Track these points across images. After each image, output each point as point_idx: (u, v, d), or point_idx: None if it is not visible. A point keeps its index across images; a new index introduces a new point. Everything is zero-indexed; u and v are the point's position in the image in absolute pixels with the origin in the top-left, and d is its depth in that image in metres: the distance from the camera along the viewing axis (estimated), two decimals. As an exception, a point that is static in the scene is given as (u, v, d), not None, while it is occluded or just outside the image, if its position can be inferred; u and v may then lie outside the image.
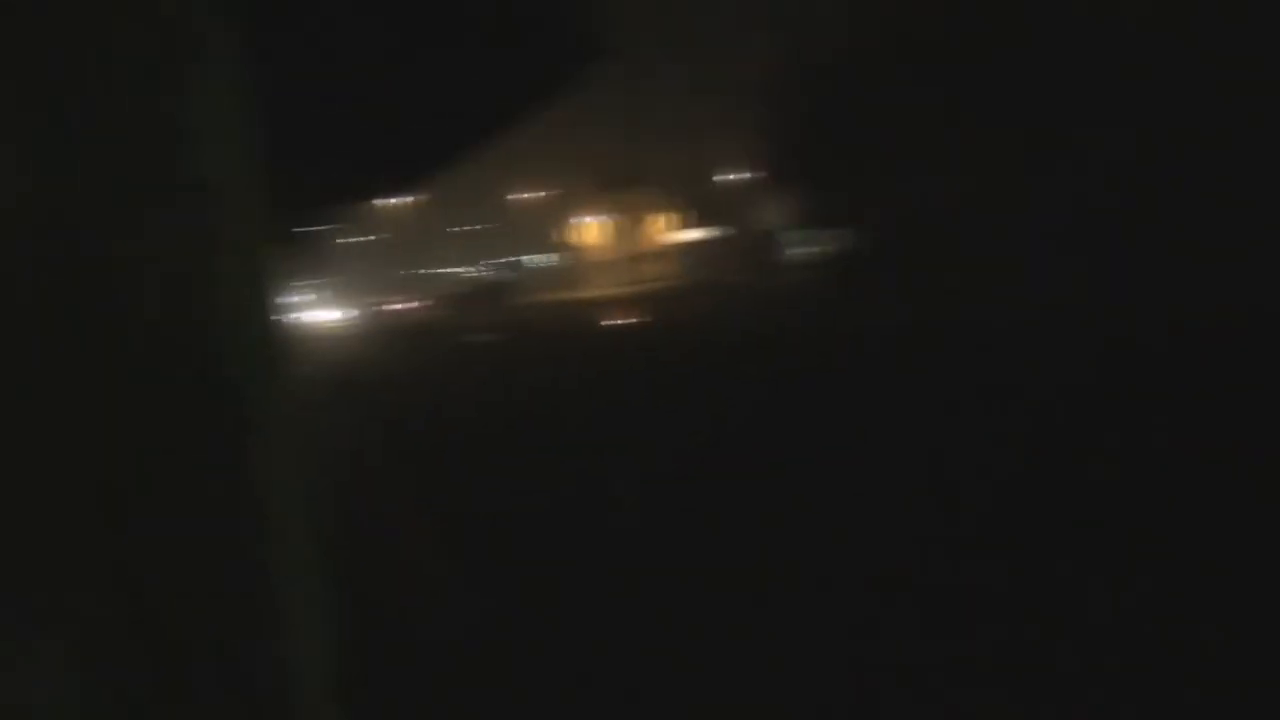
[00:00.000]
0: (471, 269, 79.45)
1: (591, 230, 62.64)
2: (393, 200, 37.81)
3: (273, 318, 1.13)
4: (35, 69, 1.00)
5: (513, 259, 73.52)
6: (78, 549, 1.00)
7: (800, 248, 38.50)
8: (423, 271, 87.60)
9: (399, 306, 61.76)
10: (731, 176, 45.14)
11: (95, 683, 1.01)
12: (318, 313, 60.01)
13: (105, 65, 1.02)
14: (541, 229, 70.63)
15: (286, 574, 1.10)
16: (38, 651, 0.99)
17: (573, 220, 64.48)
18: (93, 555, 1.01)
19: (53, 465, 1.00)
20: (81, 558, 1.01)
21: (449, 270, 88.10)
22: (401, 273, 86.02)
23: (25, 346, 1.00)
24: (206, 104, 1.05)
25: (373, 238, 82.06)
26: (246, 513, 1.07)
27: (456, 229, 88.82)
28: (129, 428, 1.02)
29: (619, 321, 28.65)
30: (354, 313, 59.68)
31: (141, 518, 1.02)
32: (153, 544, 1.02)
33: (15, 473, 0.99)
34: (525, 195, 71.34)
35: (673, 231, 53.64)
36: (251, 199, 1.13)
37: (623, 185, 46.66)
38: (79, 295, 1.01)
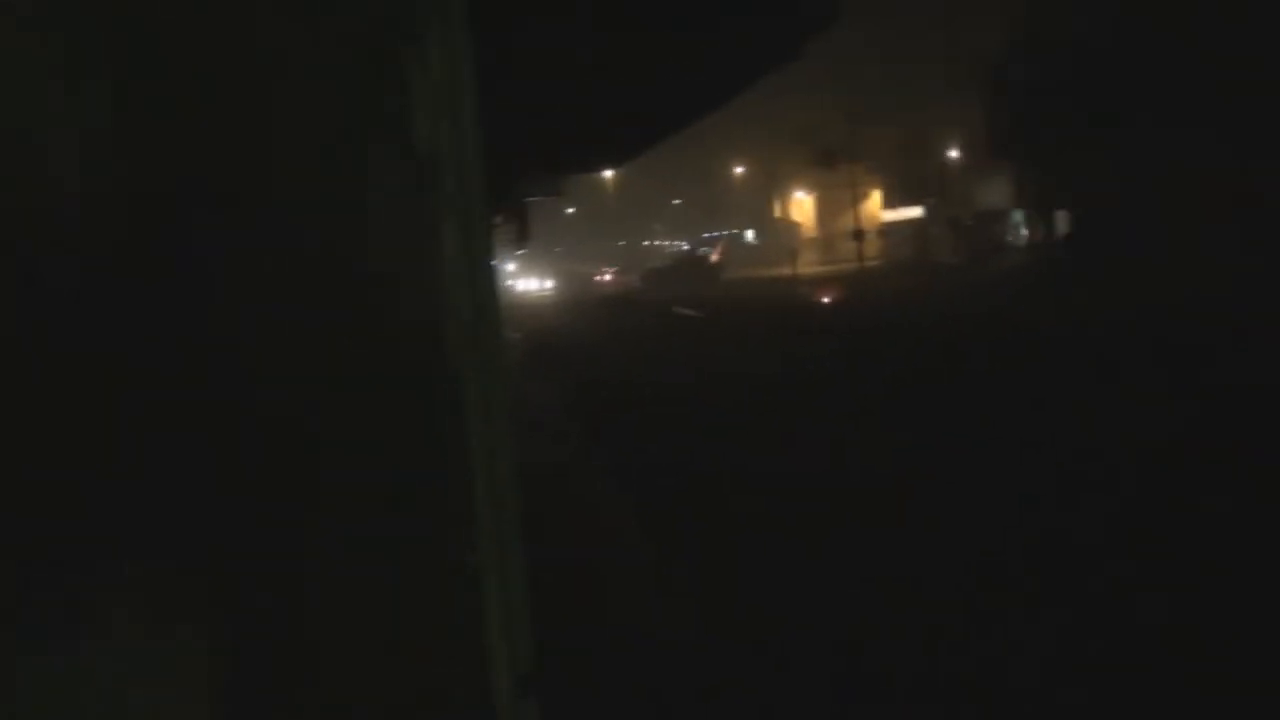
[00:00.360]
0: (679, 243, 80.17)
1: (802, 206, 61.86)
2: (603, 173, 38.42)
3: (491, 294, 1.11)
4: (259, 52, 1.00)
5: (721, 233, 73.69)
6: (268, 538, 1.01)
7: (1019, 230, 36.91)
8: (623, 244, 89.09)
9: (605, 278, 63.12)
10: (953, 154, 43.57)
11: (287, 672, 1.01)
12: (525, 282, 62.04)
13: (328, 49, 1.01)
14: (751, 204, 70.40)
15: (487, 567, 1.07)
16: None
17: (783, 195, 63.88)
18: (282, 544, 1.01)
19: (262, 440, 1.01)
20: (273, 546, 1.01)
21: (656, 243, 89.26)
22: (613, 244, 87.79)
23: (267, 325, 1.01)
24: (429, 84, 1.03)
25: (574, 211, 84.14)
26: (454, 499, 1.06)
27: (668, 202, 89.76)
28: (338, 410, 1.02)
29: (825, 300, 28.23)
30: (555, 283, 61.24)
31: (339, 503, 1.02)
32: (346, 537, 1.02)
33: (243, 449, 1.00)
34: (737, 169, 71.20)
35: (887, 209, 52.34)
36: (473, 175, 1.11)
37: (837, 161, 45.77)
38: (308, 271, 1.01)
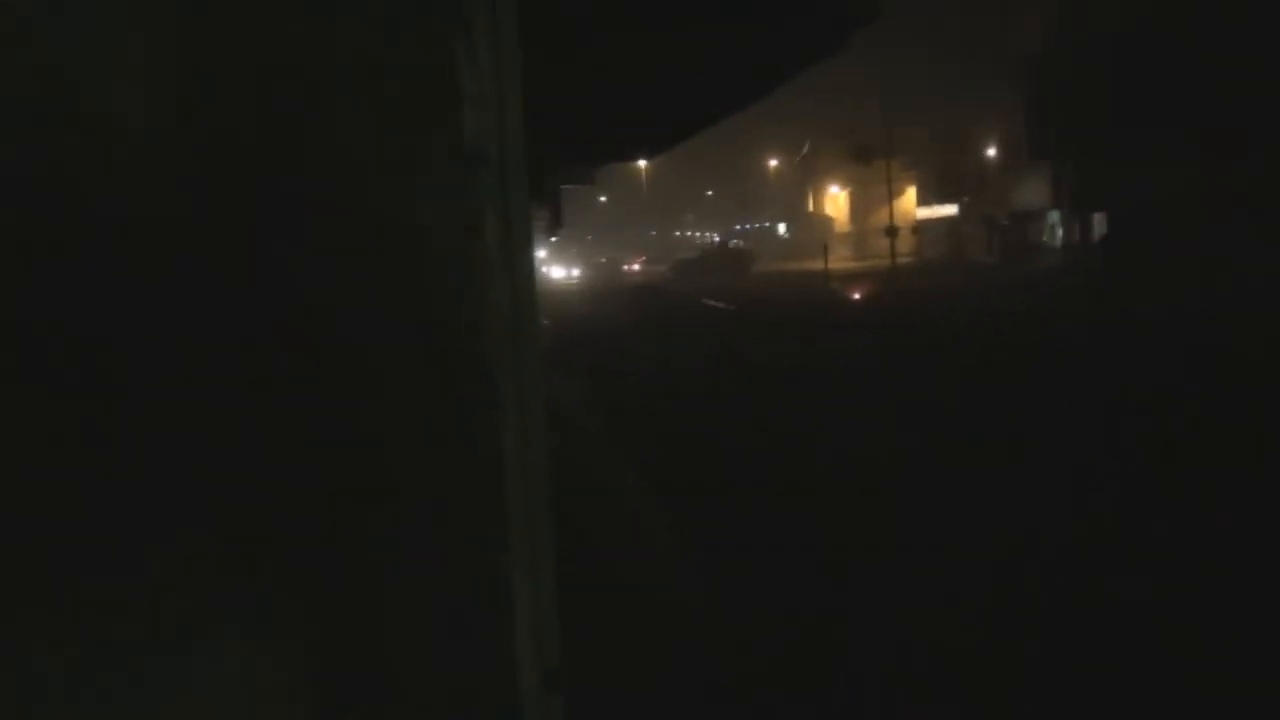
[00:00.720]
0: (710, 234, 79.98)
1: (836, 201, 61.49)
2: (638, 162, 38.33)
3: (530, 291, 1.09)
4: (308, 47, 0.99)
5: (752, 225, 73.39)
6: (309, 533, 1.00)
7: (1055, 230, 36.55)
8: (654, 233, 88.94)
9: (634, 267, 63.42)
10: (990, 153, 43.13)
11: (312, 664, 1.01)
12: (556, 269, 62.20)
13: (375, 35, 1.00)
14: (785, 197, 70.08)
15: (518, 564, 1.06)
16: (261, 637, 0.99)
17: (817, 190, 63.52)
18: (320, 541, 1.00)
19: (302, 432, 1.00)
20: (310, 543, 1.00)
21: (687, 233, 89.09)
22: (644, 233, 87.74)
23: (304, 315, 1.00)
24: (478, 73, 1.01)
25: (606, 199, 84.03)
26: (486, 496, 1.04)
27: (702, 194, 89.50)
28: (378, 403, 1.01)
29: (855, 296, 28.09)
30: (580, 272, 61.33)
31: (381, 501, 1.01)
32: (377, 534, 1.01)
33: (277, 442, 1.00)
34: (771, 163, 70.89)
35: (921, 206, 51.93)
36: (517, 169, 1.09)
37: (872, 156, 45.44)
38: (353, 260, 1.00)
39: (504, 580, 1.05)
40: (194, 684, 0.98)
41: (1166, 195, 26.04)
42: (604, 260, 67.87)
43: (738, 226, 72.37)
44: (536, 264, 1.24)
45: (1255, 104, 22.60)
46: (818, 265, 40.00)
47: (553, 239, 26.35)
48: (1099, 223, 31.45)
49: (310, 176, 0.99)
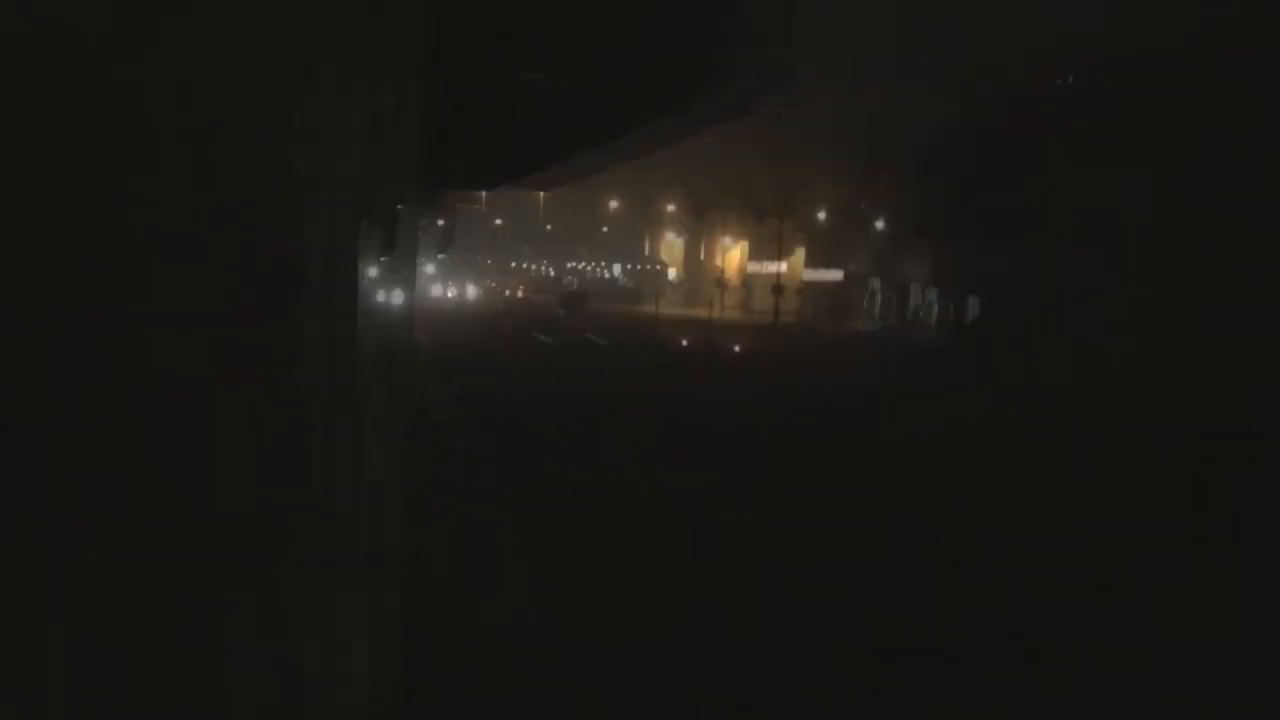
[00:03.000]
0: (604, 270, 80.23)
1: (728, 255, 62.37)
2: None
3: (404, 319, 1.08)
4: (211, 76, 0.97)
5: (608, 267, 74.05)
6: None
7: (933, 307, 37.79)
8: (514, 265, 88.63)
9: (518, 294, 64.31)
10: (879, 225, 44.35)
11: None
12: (437, 287, 61.78)
13: (277, 72, 0.98)
14: (678, 243, 70.79)
15: (358, 601, 1.04)
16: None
17: (710, 241, 64.35)
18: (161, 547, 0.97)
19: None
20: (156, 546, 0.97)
21: (540, 269, 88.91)
22: (505, 264, 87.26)
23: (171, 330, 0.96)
24: (363, 105, 1.00)
25: (500, 223, 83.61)
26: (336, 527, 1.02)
27: (599, 228, 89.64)
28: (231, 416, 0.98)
29: (698, 350, 28.33)
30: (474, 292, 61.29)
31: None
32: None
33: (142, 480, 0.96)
34: (668, 207, 71.56)
35: (809, 268, 52.96)
36: (382, 195, 1.08)
37: (767, 214, 46.32)
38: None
39: (332, 616, 1.03)
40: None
41: (1032, 292, 27.28)
42: (493, 285, 68.60)
43: (628, 265, 72.83)
44: (421, 280, 1.22)
45: (1125, 203, 23.92)
46: (704, 313, 40.45)
47: (440, 255, 26.07)
48: (974, 305, 32.70)
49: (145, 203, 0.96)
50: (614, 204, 75.59)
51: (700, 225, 65.80)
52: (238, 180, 0.93)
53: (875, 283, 41.46)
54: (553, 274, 77.82)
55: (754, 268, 56.64)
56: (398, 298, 1.13)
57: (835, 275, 48.21)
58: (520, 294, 66.33)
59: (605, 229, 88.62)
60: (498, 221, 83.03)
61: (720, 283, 50.49)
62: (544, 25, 2.05)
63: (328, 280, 0.97)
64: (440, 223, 11.16)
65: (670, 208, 71.07)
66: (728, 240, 61.82)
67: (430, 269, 45.07)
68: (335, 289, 0.99)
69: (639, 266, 73.18)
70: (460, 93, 2.45)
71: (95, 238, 0.92)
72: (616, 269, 76.05)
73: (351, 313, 1.02)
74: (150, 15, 0.88)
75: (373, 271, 1.21)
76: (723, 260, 63.06)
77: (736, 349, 28.12)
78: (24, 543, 0.90)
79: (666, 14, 2.06)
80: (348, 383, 1.02)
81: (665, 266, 73.39)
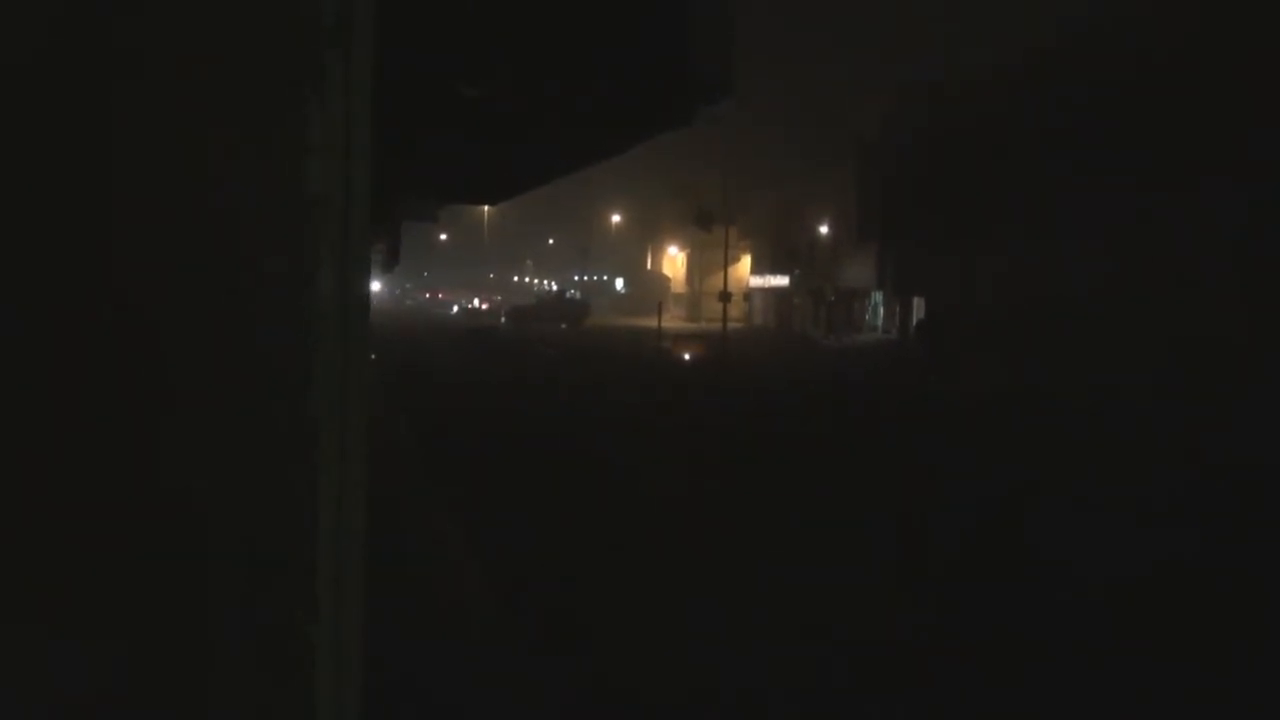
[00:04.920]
0: (549, 281, 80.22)
1: (674, 262, 62.63)
2: (488, 207, 38.15)
3: (363, 343, 1.07)
4: (171, 93, 0.95)
5: (591, 277, 73.95)
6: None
7: (877, 310, 38.18)
8: (493, 276, 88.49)
9: (479, 306, 64.30)
10: (823, 229, 44.77)
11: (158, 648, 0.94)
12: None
13: (233, 90, 0.97)
14: (626, 252, 70.94)
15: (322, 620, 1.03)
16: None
17: (657, 249, 64.61)
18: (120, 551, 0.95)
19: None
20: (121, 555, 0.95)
21: (527, 279, 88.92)
22: (484, 275, 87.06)
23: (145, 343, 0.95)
24: (327, 118, 0.99)
25: (445, 237, 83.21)
26: (297, 548, 1.01)
27: (544, 240, 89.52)
28: (204, 430, 0.96)
29: (676, 355, 28.60)
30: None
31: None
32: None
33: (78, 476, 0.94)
34: (614, 218, 71.65)
35: (755, 275, 53.30)
36: (359, 217, 1.07)
37: (712, 222, 46.56)
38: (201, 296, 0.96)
39: (306, 641, 1.02)
40: None
41: (976, 291, 27.67)
42: (440, 296, 68.44)
43: (575, 276, 72.78)
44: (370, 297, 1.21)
45: (1064, 209, 24.31)
46: (652, 323, 40.59)
47: (387, 275, 25.91)
48: (918, 307, 33.06)
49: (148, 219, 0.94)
50: (559, 217, 75.42)
51: (646, 234, 66.06)
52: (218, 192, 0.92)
53: (828, 288, 41.81)
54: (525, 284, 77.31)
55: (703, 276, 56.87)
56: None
57: (781, 281, 48.57)
58: (485, 306, 66.01)
59: (551, 241, 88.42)
60: (442, 236, 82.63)
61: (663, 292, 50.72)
62: (493, 45, 2.05)
63: (342, 323, 0.98)
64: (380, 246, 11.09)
65: (615, 218, 71.21)
66: (673, 249, 62.14)
67: (376, 286, 44.68)
68: (349, 332, 1.00)
69: (588, 278, 73.21)
70: (413, 113, 2.44)
71: (100, 243, 0.91)
72: (560, 282, 76.06)
73: (364, 365, 1.03)
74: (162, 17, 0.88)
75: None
76: (670, 269, 63.37)
77: (686, 357, 28.27)
78: (21, 543, 0.88)
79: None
80: (364, 401, 1.02)
81: (613, 277, 73.46)
